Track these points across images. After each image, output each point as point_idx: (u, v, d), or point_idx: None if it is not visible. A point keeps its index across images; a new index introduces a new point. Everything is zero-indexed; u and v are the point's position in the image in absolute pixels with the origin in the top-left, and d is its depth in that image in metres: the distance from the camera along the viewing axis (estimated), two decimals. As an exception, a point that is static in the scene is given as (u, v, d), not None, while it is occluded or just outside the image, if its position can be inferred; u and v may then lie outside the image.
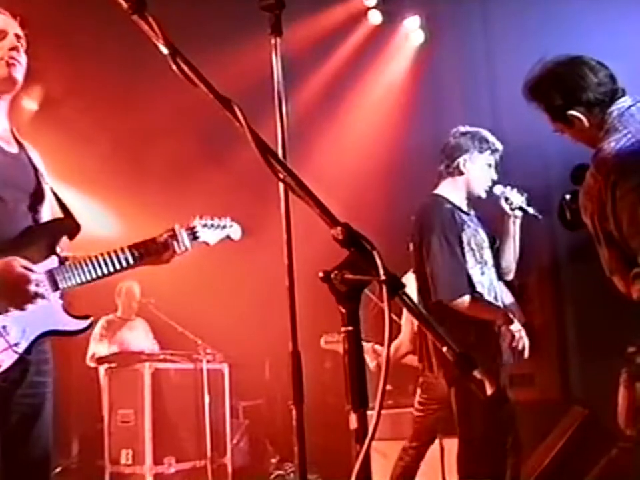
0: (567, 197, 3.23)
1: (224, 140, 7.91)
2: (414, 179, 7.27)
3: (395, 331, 5.77)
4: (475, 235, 4.22)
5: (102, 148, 7.96)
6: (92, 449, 7.48)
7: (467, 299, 4.01)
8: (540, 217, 4.30)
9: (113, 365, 7.16)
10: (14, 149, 2.86)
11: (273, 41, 2.29)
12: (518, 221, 4.32)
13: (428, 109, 7.97)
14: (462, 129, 4.34)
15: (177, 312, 7.55)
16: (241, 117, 1.58)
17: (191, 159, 8.54)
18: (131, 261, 2.91)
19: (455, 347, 1.44)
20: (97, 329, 7.68)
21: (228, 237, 3.31)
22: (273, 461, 8.37)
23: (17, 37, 2.81)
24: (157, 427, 6.71)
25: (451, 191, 4.30)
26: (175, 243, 3.01)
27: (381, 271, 1.42)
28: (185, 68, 1.64)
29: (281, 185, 2.12)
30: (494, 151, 4.29)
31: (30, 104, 7.73)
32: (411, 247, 4.29)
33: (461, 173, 4.27)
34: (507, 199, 4.23)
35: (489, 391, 1.42)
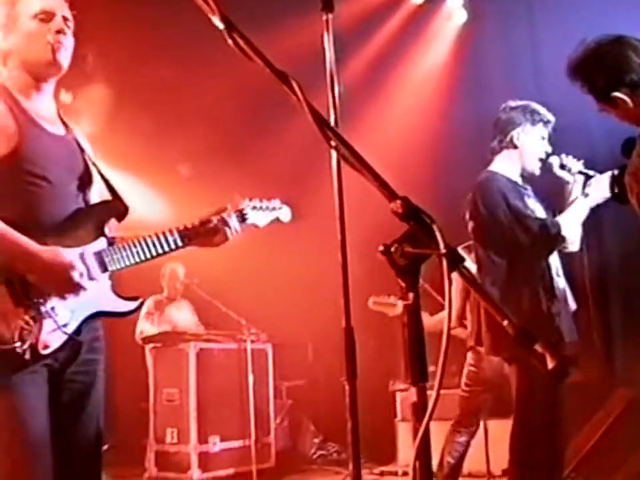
0: (616, 171, 3.20)
1: (271, 119, 7.95)
2: (457, 157, 7.24)
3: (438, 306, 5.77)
4: (533, 210, 4.13)
5: (147, 130, 7.99)
6: (137, 428, 7.59)
7: None
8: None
9: (158, 344, 7.22)
10: (60, 131, 2.85)
11: (324, 17, 2.26)
12: (579, 187, 4.14)
13: (471, 88, 7.92)
14: (512, 103, 4.26)
15: (220, 292, 7.58)
16: (298, 91, 1.57)
17: (238, 138, 8.56)
18: (180, 243, 2.89)
19: (515, 320, 1.43)
20: (145, 308, 7.75)
21: (277, 219, 3.27)
22: (316, 441, 8.43)
23: (65, 19, 2.76)
24: (201, 406, 6.76)
25: (506, 166, 4.22)
26: (226, 229, 2.99)
27: (441, 245, 1.41)
28: (241, 42, 1.64)
29: (334, 160, 2.11)
30: (546, 123, 4.21)
31: (65, 97, 7.66)
32: (470, 225, 4.22)
33: (515, 147, 4.19)
34: (563, 166, 4.10)
35: (550, 365, 1.41)
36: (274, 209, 3.25)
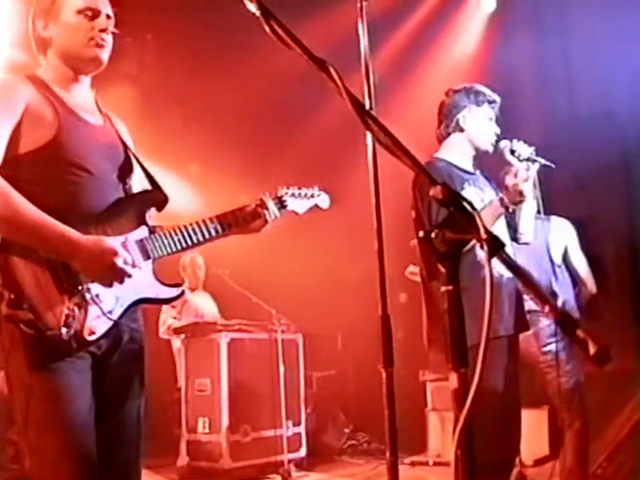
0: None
1: (299, 106, 7.95)
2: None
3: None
4: (476, 194, 3.94)
5: (175, 123, 8.03)
6: (168, 418, 7.64)
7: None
8: (552, 166, 3.98)
9: (189, 334, 7.25)
10: (99, 121, 2.86)
11: (358, 5, 2.26)
12: (531, 174, 3.90)
13: (500, 78, 7.88)
14: (455, 87, 4.11)
15: (251, 282, 7.60)
16: (336, 78, 1.57)
17: (267, 126, 8.57)
18: (220, 230, 2.91)
19: (557, 305, 1.42)
20: None
21: (316, 205, 3.26)
22: (346, 430, 8.45)
23: (108, 17, 2.79)
24: (232, 396, 6.78)
25: (451, 151, 4.05)
26: (265, 212, 3.00)
27: (482, 230, 1.41)
28: (279, 30, 1.64)
29: (369, 148, 2.11)
30: (492, 103, 4.04)
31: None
32: (412, 214, 3.97)
33: (462, 130, 4.02)
34: (513, 152, 3.91)
35: (592, 350, 1.40)
36: (312, 196, 3.24)
